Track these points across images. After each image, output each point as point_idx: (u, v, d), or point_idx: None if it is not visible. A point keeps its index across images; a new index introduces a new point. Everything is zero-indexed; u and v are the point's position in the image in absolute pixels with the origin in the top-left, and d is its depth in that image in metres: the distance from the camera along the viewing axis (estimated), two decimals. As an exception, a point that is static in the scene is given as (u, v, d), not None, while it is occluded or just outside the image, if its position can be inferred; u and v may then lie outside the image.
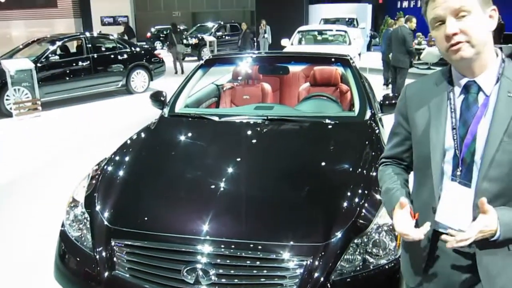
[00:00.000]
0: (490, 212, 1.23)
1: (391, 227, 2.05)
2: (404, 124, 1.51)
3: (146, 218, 2.21)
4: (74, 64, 9.45)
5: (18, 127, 7.73)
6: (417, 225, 1.38)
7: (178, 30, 14.51)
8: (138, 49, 11.08)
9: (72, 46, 10.24)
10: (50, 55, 9.07)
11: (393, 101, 3.32)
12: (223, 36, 20.34)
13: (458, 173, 1.33)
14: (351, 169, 2.46)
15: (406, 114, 1.49)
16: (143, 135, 3.10)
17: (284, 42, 12.06)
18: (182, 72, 13.64)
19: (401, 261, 1.59)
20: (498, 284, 1.33)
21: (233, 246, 1.97)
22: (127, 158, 2.75)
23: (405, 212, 1.38)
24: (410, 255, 1.51)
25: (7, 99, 8.24)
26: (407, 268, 1.54)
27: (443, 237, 1.29)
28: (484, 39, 1.27)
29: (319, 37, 12.64)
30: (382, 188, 1.57)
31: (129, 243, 2.08)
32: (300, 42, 12.11)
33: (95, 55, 9.82)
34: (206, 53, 16.20)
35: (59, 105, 9.19)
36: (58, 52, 9.44)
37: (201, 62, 3.99)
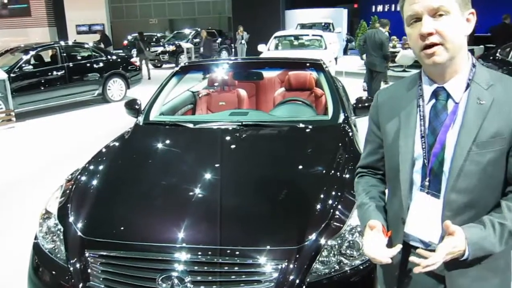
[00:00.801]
0: (457, 233, 1.19)
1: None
2: (377, 132, 1.47)
3: (120, 228, 2.19)
4: (48, 74, 9.32)
5: (-9, 139, 7.58)
6: (391, 242, 1.36)
7: (158, 38, 14.65)
8: (114, 57, 10.99)
9: (47, 56, 10.11)
10: (23, 65, 8.93)
11: (366, 104, 3.37)
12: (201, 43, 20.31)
13: (427, 183, 1.29)
14: (324, 171, 2.48)
15: (378, 121, 1.46)
16: (117, 144, 3.07)
17: (260, 47, 12.13)
18: (149, 77, 14.18)
19: (377, 272, 1.59)
20: None
21: (210, 253, 1.97)
22: (100, 168, 2.72)
23: (376, 233, 1.33)
24: (384, 267, 1.46)
25: (-21, 111, 8.08)
26: (382, 279, 1.53)
27: (411, 258, 1.24)
28: (460, 43, 1.22)
29: (295, 42, 12.73)
30: (357, 202, 1.53)
31: (104, 253, 2.06)
32: (276, 47, 12.18)
33: (70, 64, 9.70)
34: (184, 60, 16.23)
35: (34, 115, 9.04)
36: (32, 61, 9.30)
37: (176, 69, 3.99)
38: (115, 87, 10.66)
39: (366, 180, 1.55)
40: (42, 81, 9.16)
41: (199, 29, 21.49)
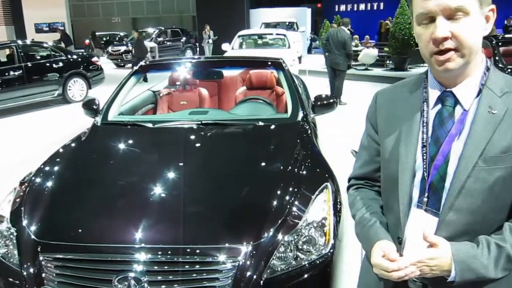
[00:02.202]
0: (441, 246, 1.06)
1: (320, 223, 2.12)
2: (374, 136, 1.31)
3: (76, 230, 2.15)
4: (5, 74, 8.97)
5: None
6: None
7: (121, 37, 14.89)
8: (75, 56, 10.71)
9: (3, 55, 9.76)
10: (-22, 65, 8.60)
11: (325, 102, 3.43)
12: (165, 42, 20.12)
13: (425, 199, 1.14)
14: (282, 168, 2.51)
15: (376, 124, 1.30)
16: (73, 145, 3.01)
17: (224, 46, 12.11)
18: None
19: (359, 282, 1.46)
20: None
21: (169, 252, 1.96)
22: (55, 169, 2.66)
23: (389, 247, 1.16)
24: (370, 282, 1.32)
25: None
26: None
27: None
28: (476, 47, 1.07)
29: (259, 41, 12.78)
30: (355, 217, 1.34)
31: (59, 256, 2.02)
32: (241, 46, 12.20)
33: (29, 64, 9.38)
34: (148, 59, 16.01)
35: (-10, 117, 8.73)
36: (-13, 61, 8.98)
37: (135, 68, 3.94)
38: (76, 87, 10.39)
39: (364, 193, 1.37)
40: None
41: (163, 28, 21.27)
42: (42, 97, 9.71)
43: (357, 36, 15.41)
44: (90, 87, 10.67)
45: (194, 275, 1.92)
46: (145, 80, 8.14)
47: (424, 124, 1.15)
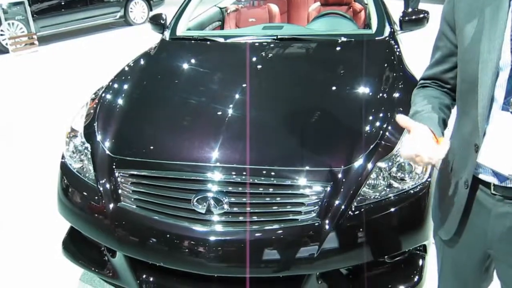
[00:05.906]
0: None
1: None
2: (450, 35, 1.19)
3: (150, 147, 2.05)
4: (68, -5, 8.99)
5: (15, 63, 7.47)
6: (452, 174, 1.16)
7: None
8: (135, -24, 10.49)
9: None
10: (42, -14, 8.59)
11: (413, 17, 3.06)
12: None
13: None
14: (371, 91, 2.24)
15: (453, 20, 1.15)
16: (142, 60, 2.85)
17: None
18: None
19: (432, 209, 1.38)
20: None
21: (244, 173, 1.81)
22: (126, 85, 2.54)
23: (422, 133, 1.08)
24: (444, 203, 1.27)
25: (1, 35, 7.91)
26: (440, 219, 1.31)
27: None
28: None
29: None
30: (410, 111, 1.26)
31: (134, 173, 1.93)
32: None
33: (90, -16, 9.32)
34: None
35: (56, 39, 8.86)
36: (51, -18, 8.95)
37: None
38: (137, 9, 10.29)
39: (429, 91, 1.28)
40: (62, 3, 8.86)
41: None
42: (104, 19, 9.72)
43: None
44: (151, 9, 10.55)
45: (279, 199, 1.77)
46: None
47: None
